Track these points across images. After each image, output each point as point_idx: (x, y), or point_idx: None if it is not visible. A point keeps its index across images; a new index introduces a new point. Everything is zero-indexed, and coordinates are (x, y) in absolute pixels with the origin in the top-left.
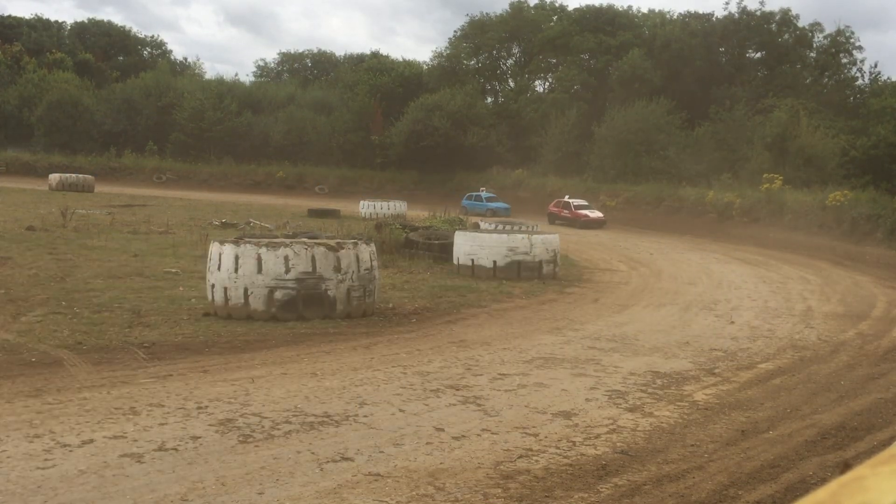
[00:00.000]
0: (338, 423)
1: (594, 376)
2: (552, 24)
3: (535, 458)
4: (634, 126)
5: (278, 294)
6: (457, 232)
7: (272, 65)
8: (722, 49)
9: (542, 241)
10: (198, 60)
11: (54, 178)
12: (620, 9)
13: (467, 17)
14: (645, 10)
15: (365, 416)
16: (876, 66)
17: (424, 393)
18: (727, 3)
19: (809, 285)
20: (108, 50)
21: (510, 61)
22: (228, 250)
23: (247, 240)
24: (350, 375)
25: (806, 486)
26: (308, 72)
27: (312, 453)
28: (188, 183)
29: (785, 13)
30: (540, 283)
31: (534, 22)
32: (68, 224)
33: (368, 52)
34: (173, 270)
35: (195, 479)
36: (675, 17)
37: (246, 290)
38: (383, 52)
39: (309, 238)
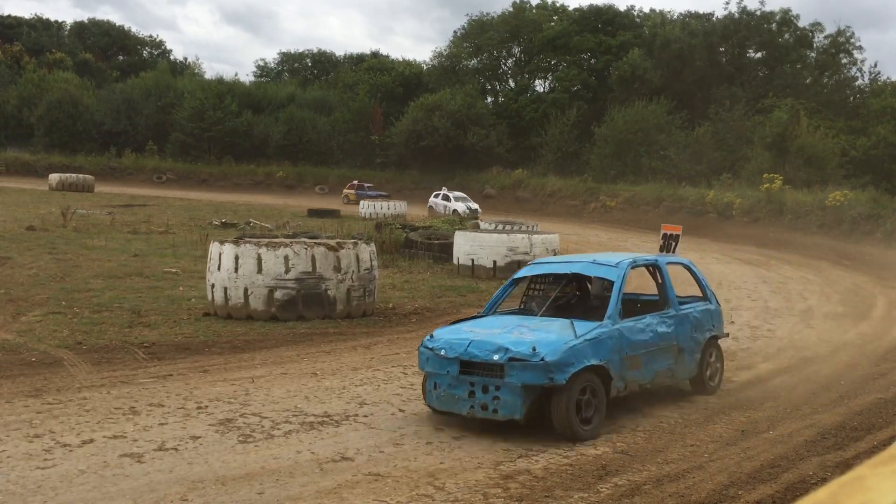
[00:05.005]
0: (338, 423)
1: None
2: (552, 24)
3: (535, 458)
4: (634, 126)
5: (278, 294)
6: (457, 232)
7: (272, 65)
8: (722, 49)
9: (541, 240)
10: (197, 60)
11: (54, 178)
12: (621, 9)
13: (467, 17)
14: (645, 10)
15: (365, 416)
16: (876, 66)
17: None
18: (727, 3)
19: (809, 285)
20: (108, 50)
21: (510, 61)
22: (228, 250)
23: (247, 240)
24: (350, 375)
25: (806, 486)
26: (308, 72)
27: (312, 453)
28: (188, 183)
29: (785, 13)
30: None
31: (534, 22)
32: (68, 224)
33: (368, 52)
34: (173, 270)
35: (195, 479)
36: (675, 17)
37: (246, 289)
38: (382, 51)
39: (309, 238)
